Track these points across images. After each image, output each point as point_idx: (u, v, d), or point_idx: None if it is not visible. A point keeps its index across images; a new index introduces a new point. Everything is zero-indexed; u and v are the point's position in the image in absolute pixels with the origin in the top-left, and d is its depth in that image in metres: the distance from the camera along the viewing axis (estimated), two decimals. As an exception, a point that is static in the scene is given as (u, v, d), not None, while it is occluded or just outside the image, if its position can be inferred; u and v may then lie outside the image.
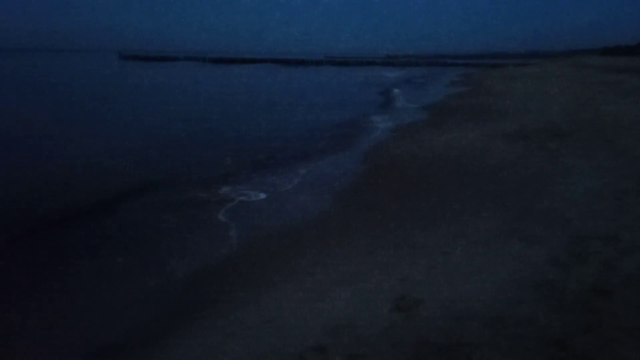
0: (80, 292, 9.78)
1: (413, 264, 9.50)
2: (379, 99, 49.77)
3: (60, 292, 9.77)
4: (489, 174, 16.09)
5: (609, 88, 43.00)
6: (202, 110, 38.96)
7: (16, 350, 7.97)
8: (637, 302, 7.35)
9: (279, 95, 54.48)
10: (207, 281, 10.06)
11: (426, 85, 70.66)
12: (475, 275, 8.73)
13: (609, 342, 6.46)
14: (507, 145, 20.44)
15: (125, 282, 10.16)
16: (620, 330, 6.69)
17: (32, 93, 51.15)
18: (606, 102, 33.22)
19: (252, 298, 8.89)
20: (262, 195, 15.83)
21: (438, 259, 9.58)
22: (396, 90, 60.08)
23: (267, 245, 11.64)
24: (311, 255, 10.59)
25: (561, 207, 12.14)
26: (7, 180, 17.51)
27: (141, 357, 7.55)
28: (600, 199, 12.48)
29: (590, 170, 15.44)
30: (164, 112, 37.26)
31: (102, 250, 11.64)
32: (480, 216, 12.04)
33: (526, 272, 8.65)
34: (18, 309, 9.12)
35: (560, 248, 9.59)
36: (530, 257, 9.28)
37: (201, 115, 36.16)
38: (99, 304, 9.37)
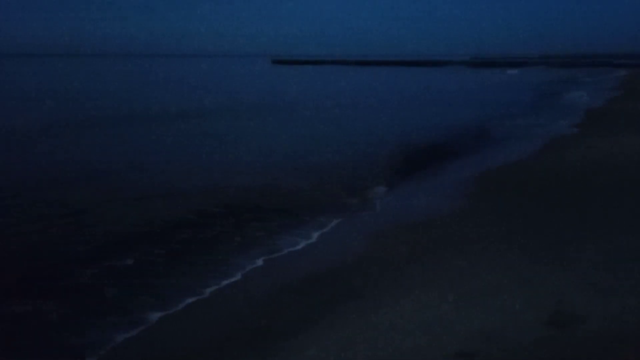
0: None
1: (568, 278, 8.95)
2: (534, 102, 47.29)
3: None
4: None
5: None
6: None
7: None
8: None
9: (434, 96, 54.69)
10: (348, 278, 10.19)
11: (585, 88, 65.57)
12: (642, 295, 8.02)
13: None
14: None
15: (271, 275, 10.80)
16: None
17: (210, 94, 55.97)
18: None
19: (396, 299, 8.91)
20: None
21: (598, 275, 8.93)
22: (553, 93, 56.65)
23: (408, 245, 11.59)
24: (455, 261, 10.38)
25: None
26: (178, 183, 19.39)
27: (283, 343, 7.91)
28: None
29: None
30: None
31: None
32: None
33: None
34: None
35: None
36: None
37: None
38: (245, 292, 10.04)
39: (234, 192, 16.50)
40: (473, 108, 42.04)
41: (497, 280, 9.19)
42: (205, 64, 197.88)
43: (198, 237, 12.65)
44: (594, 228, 11.63)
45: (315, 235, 12.79)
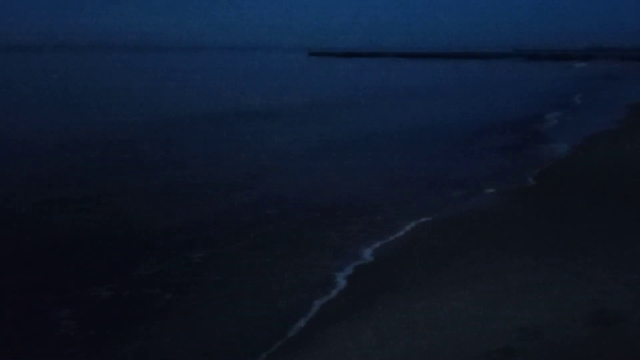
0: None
1: (615, 277, 8.80)
2: (576, 99, 46.11)
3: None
4: None
5: None
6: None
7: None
8: None
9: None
10: (389, 270, 10.30)
11: (632, 83, 63.38)
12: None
13: None
14: None
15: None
16: None
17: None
18: None
19: (438, 293, 8.91)
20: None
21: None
22: (596, 88, 55.13)
23: (452, 239, 11.60)
24: (499, 256, 10.33)
25: None
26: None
27: (331, 333, 8.03)
28: None
29: None
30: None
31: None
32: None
33: None
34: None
35: None
36: None
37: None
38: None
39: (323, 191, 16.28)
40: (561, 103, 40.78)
41: (540, 277, 9.13)
42: (241, 56, 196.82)
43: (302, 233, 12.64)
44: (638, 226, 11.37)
45: (393, 234, 12.56)
